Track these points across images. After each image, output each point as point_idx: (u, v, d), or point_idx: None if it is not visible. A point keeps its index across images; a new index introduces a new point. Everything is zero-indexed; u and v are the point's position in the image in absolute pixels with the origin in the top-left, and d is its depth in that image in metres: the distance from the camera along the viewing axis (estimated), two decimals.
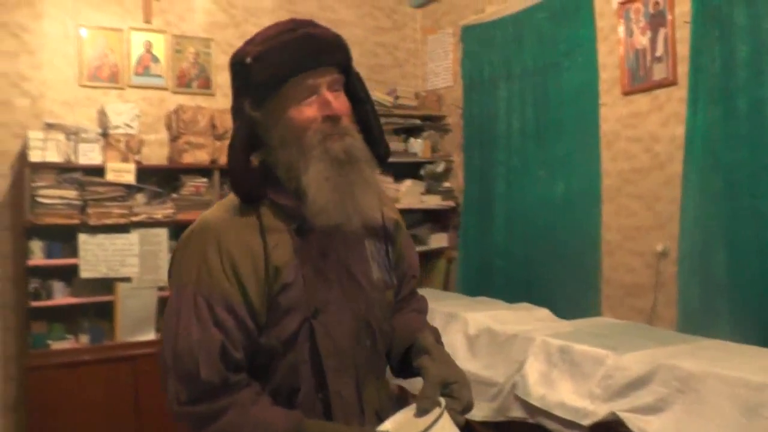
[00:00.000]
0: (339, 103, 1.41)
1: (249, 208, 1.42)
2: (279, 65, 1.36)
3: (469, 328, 3.46)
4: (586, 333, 3.05)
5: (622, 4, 3.79)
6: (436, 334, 1.64)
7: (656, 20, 3.61)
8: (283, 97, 1.38)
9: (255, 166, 1.44)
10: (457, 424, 1.35)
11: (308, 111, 1.38)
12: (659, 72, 3.62)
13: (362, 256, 1.52)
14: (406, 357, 1.58)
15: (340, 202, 1.37)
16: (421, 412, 1.35)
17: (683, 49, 3.46)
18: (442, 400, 1.36)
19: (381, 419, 1.47)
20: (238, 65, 1.41)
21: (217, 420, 1.33)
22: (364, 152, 1.43)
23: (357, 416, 1.48)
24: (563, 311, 3.86)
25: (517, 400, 2.96)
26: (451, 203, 5.14)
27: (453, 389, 1.39)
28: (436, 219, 5.27)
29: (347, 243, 1.47)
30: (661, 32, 3.58)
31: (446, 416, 1.32)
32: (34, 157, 3.99)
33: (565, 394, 2.74)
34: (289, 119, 1.38)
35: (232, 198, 1.46)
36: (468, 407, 1.41)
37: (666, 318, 3.56)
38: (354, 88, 1.49)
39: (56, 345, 4.09)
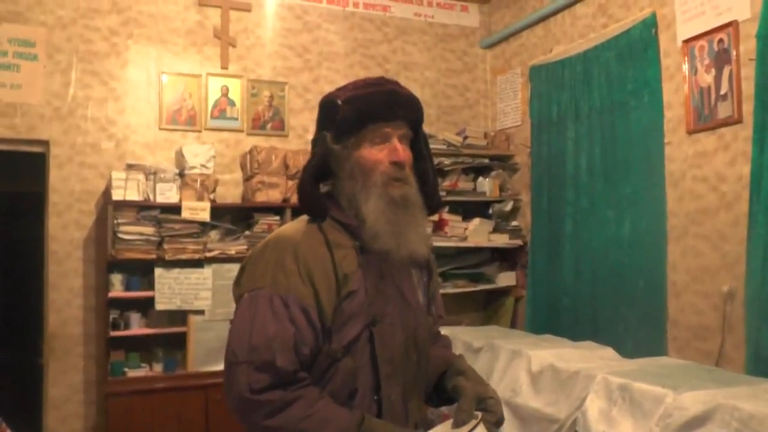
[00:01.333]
0: (405, 153, 1.63)
1: (315, 226, 1.62)
2: (364, 111, 1.60)
3: (533, 365, 3.46)
4: (648, 372, 3.01)
5: (687, 42, 3.80)
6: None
7: (721, 58, 3.60)
8: (360, 138, 1.60)
9: (320, 190, 1.67)
10: None
11: (379, 154, 1.60)
12: (724, 110, 3.59)
13: (410, 282, 1.72)
14: (438, 385, 1.75)
15: (391, 234, 1.59)
16: (458, 424, 1.52)
17: (748, 87, 3.44)
18: (479, 413, 1.55)
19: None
20: (329, 104, 1.65)
21: (286, 410, 1.46)
22: (418, 200, 1.65)
23: (402, 422, 1.62)
24: (629, 352, 3.82)
25: None
26: (518, 242, 5.16)
27: (488, 404, 1.61)
28: (503, 257, 5.30)
29: (399, 268, 1.66)
30: (726, 70, 3.57)
31: (482, 426, 1.49)
32: (116, 195, 4.24)
33: None
34: (361, 157, 1.60)
35: (301, 219, 1.68)
36: (501, 421, 1.62)
37: (734, 361, 3.48)
38: (419, 145, 1.71)
39: (132, 373, 4.29)
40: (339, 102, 1.62)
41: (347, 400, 1.55)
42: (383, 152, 1.61)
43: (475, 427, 1.48)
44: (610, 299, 4.25)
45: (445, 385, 1.73)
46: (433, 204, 1.73)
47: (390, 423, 1.53)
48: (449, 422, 1.58)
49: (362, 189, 1.60)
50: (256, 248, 1.65)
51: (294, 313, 1.51)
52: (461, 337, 4.17)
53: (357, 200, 1.61)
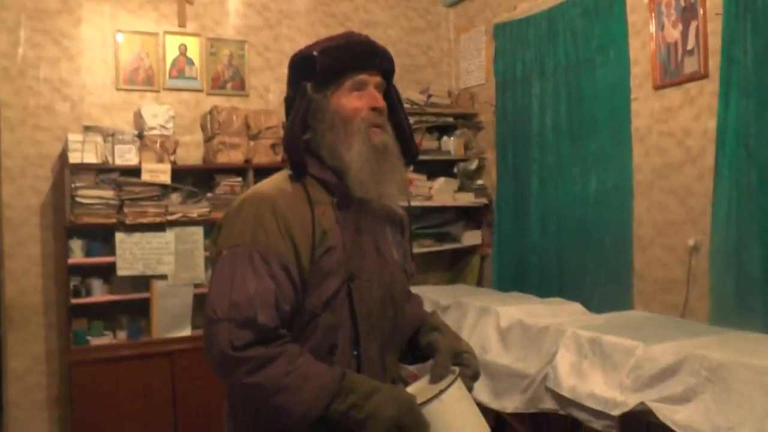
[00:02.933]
0: (382, 100, 1.65)
1: (296, 182, 1.61)
2: (342, 59, 1.62)
3: (501, 321, 3.47)
4: (617, 325, 3.04)
5: None
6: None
7: (688, 13, 3.58)
8: (338, 87, 1.61)
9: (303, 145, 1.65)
10: (468, 389, 1.53)
11: (358, 102, 1.61)
12: (690, 65, 3.59)
13: (386, 238, 1.71)
14: (412, 342, 1.77)
15: (374, 182, 1.59)
16: (436, 379, 1.54)
17: (715, 42, 3.43)
18: (456, 368, 1.55)
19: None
20: (303, 57, 1.66)
21: (268, 366, 1.43)
22: (396, 150, 1.66)
23: (380, 378, 1.61)
24: (596, 307, 3.87)
25: (548, 391, 2.96)
26: (484, 200, 5.14)
27: (464, 358, 1.63)
28: (469, 216, 5.29)
29: (375, 224, 1.68)
30: (693, 25, 3.56)
31: (459, 381, 1.49)
32: (74, 158, 4.10)
33: (595, 385, 2.74)
34: (341, 105, 1.61)
35: (278, 176, 1.67)
36: (477, 374, 1.64)
37: (698, 312, 3.53)
38: (392, 98, 1.72)
39: (96, 341, 4.21)
40: (315, 53, 1.63)
41: (327, 356, 1.54)
42: (362, 100, 1.62)
43: (453, 382, 1.47)
44: (577, 255, 4.28)
45: (419, 341, 1.74)
46: (410, 154, 1.73)
47: (369, 378, 1.51)
48: (426, 378, 1.58)
49: (344, 137, 1.60)
50: (232, 206, 1.62)
51: (274, 269, 1.49)
52: (428, 295, 4.17)
53: (338, 150, 1.61)
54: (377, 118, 1.62)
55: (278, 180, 1.65)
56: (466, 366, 1.61)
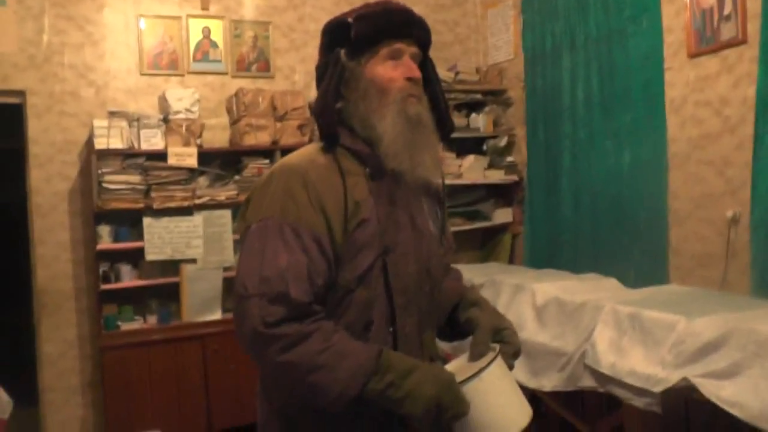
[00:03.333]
0: (418, 70, 1.58)
1: (328, 152, 1.55)
2: (378, 26, 1.55)
3: (537, 298, 3.40)
4: (656, 300, 2.95)
5: None
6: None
7: None
8: (373, 55, 1.54)
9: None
10: (509, 367, 1.48)
11: (393, 72, 1.54)
12: (728, 31, 3.47)
13: (422, 210, 1.64)
14: (451, 318, 1.70)
15: (408, 154, 1.52)
16: (475, 357, 1.49)
17: (754, 6, 3.31)
18: (496, 346, 1.50)
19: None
20: (338, 25, 1.59)
21: (302, 343, 1.38)
22: (431, 121, 1.58)
23: (417, 354, 1.55)
24: (632, 282, 3.76)
25: (586, 369, 2.88)
26: (514, 177, 5.05)
27: (504, 335, 1.56)
28: (499, 194, 5.20)
29: (410, 196, 1.60)
30: None
31: (500, 359, 1.44)
32: (99, 144, 4.09)
33: (635, 362, 2.65)
34: (377, 74, 1.54)
35: (308, 148, 1.61)
36: (518, 352, 1.57)
37: (738, 286, 3.43)
38: (427, 70, 1.64)
39: (126, 326, 4.22)
40: (350, 20, 1.55)
41: (362, 333, 1.48)
42: (398, 69, 1.55)
43: (493, 360, 1.42)
44: (611, 231, 4.18)
45: (458, 317, 1.67)
46: (446, 128, 1.66)
47: (407, 356, 1.45)
48: (465, 356, 1.53)
49: (378, 107, 1.54)
50: (261, 178, 1.56)
51: (306, 242, 1.43)
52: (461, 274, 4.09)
53: (371, 120, 1.54)
54: (413, 89, 1.55)
55: (309, 151, 1.58)
56: (506, 343, 1.55)
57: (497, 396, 1.40)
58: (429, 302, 1.61)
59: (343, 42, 1.55)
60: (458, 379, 1.38)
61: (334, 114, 1.55)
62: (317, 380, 1.37)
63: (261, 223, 1.47)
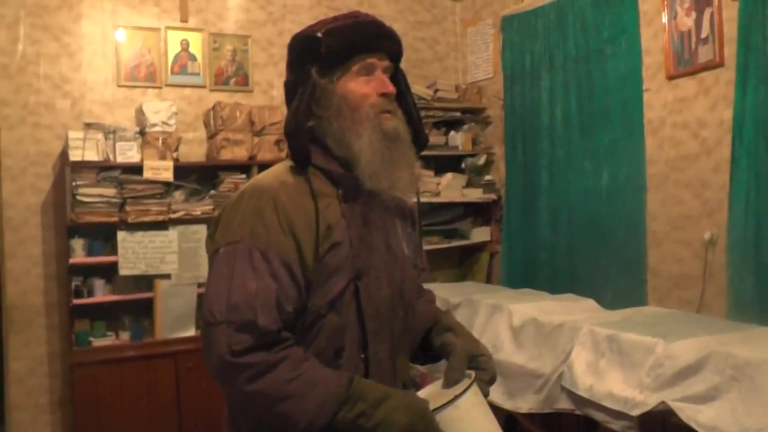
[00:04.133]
0: (391, 85, 1.53)
1: (299, 173, 1.49)
2: (350, 41, 1.49)
3: (514, 319, 3.38)
4: (634, 322, 2.95)
5: None
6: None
7: (702, 0, 3.48)
8: (345, 71, 1.49)
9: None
10: (484, 395, 1.45)
11: (366, 87, 1.49)
12: (705, 54, 3.50)
13: (395, 232, 1.60)
14: (424, 342, 1.66)
15: (386, 172, 1.48)
16: (450, 383, 1.45)
17: (731, 29, 3.33)
18: (472, 372, 1.46)
19: (406, 390, 1.56)
20: (306, 39, 1.52)
21: (270, 373, 1.34)
22: (407, 135, 1.54)
23: (390, 381, 1.52)
24: (609, 303, 3.78)
25: (563, 390, 2.87)
26: (492, 196, 5.05)
27: (480, 361, 1.52)
28: (477, 213, 5.19)
29: (383, 217, 1.56)
30: (707, 12, 3.46)
31: (475, 386, 1.41)
32: (74, 156, 4.03)
33: (613, 384, 2.65)
34: (349, 91, 1.49)
35: (279, 167, 1.55)
36: (494, 379, 1.54)
37: (715, 308, 3.43)
38: (399, 82, 1.59)
39: (98, 342, 4.14)
40: (320, 34, 1.49)
41: (333, 359, 1.44)
42: (370, 85, 1.50)
43: (468, 387, 1.38)
44: (589, 251, 4.18)
45: (432, 341, 1.63)
46: (420, 141, 1.61)
47: (379, 383, 1.41)
48: (439, 382, 1.49)
49: (352, 125, 1.49)
50: (231, 199, 1.50)
51: (275, 267, 1.38)
52: (437, 293, 4.00)
53: (347, 138, 1.49)
54: (387, 104, 1.51)
55: (279, 171, 1.53)
56: (482, 370, 1.51)
57: (472, 423, 1.37)
58: (402, 326, 1.57)
59: (313, 58, 1.50)
60: (432, 406, 1.35)
61: (306, 134, 1.50)
62: (286, 410, 1.33)
63: (230, 247, 1.41)
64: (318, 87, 1.49)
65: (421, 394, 1.45)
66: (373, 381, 1.44)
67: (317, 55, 1.49)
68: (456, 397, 1.35)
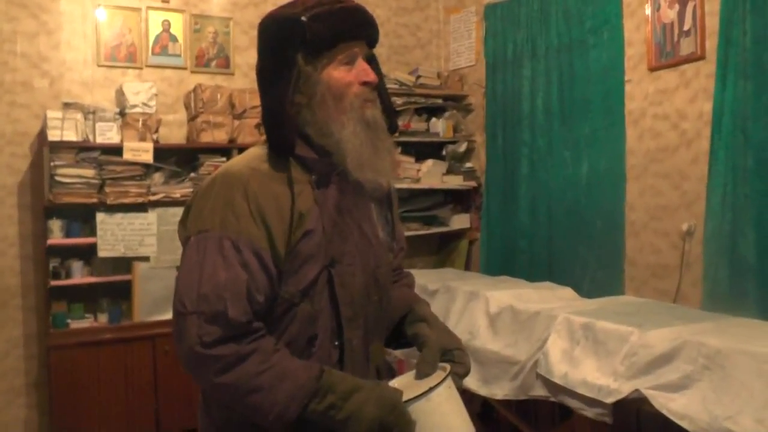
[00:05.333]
0: (373, 73, 1.51)
1: (277, 160, 1.47)
2: (337, 28, 1.46)
3: (491, 306, 3.40)
4: (609, 311, 2.98)
5: None
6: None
7: None
8: (329, 59, 1.46)
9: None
10: (458, 388, 1.44)
11: (348, 75, 1.47)
12: (687, 46, 3.52)
13: (370, 216, 1.59)
14: (398, 327, 1.65)
15: (371, 162, 1.48)
16: (421, 376, 1.44)
17: (713, 23, 3.36)
18: (447, 365, 1.46)
19: (380, 376, 1.57)
20: (288, 22, 1.45)
21: (240, 364, 1.33)
22: (383, 123, 1.54)
23: (363, 367, 1.52)
24: (586, 292, 3.81)
25: (539, 378, 2.90)
26: (473, 183, 5.07)
27: (455, 355, 1.53)
28: (457, 200, 5.21)
29: (357, 202, 1.54)
30: (690, 5, 3.48)
31: (450, 379, 1.40)
32: (52, 136, 3.97)
33: (588, 372, 2.68)
34: (333, 79, 1.46)
35: (252, 152, 1.53)
36: (467, 372, 1.54)
37: (691, 298, 3.48)
38: (373, 65, 1.57)
39: (76, 324, 4.10)
40: (304, 18, 1.43)
41: (306, 347, 1.44)
42: (352, 73, 1.48)
43: (443, 380, 1.38)
44: (567, 240, 4.21)
45: (405, 330, 1.63)
46: (392, 125, 1.61)
47: (349, 375, 1.41)
48: (412, 373, 1.48)
49: (335, 114, 1.47)
50: (203, 185, 1.48)
51: (246, 257, 1.37)
52: (416, 279, 4.08)
53: (330, 127, 1.47)
54: (369, 93, 1.50)
55: (252, 157, 1.50)
56: (456, 363, 1.51)
57: (443, 417, 1.37)
58: (377, 312, 1.57)
59: (297, 43, 1.45)
60: (405, 397, 1.35)
61: (293, 124, 1.47)
62: (255, 402, 1.33)
63: (201, 236, 1.40)
64: (302, 74, 1.45)
65: (395, 383, 1.45)
66: (346, 371, 1.44)
67: (301, 40, 1.44)
68: (430, 390, 1.35)
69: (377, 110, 1.52)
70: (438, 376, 1.41)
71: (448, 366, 1.45)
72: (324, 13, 1.45)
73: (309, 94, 1.47)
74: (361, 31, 1.51)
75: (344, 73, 1.47)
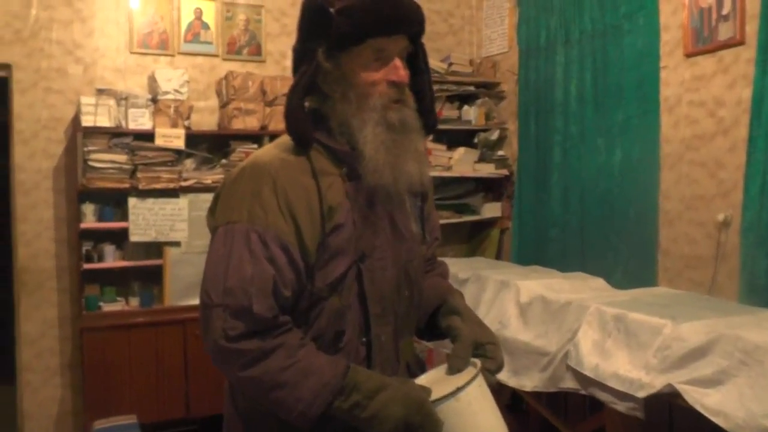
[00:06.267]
0: (405, 72, 1.45)
1: (300, 151, 1.43)
2: (364, 24, 1.39)
3: (522, 296, 3.36)
4: (642, 302, 2.92)
5: None
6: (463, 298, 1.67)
7: None
8: (356, 55, 1.41)
9: (307, 110, 1.47)
10: (490, 385, 1.39)
11: (376, 74, 1.42)
12: (725, 31, 3.43)
13: (403, 209, 1.55)
14: (431, 318, 1.62)
15: (390, 165, 1.42)
16: (453, 371, 1.40)
17: (753, 6, 3.27)
18: (477, 361, 1.41)
19: (411, 372, 1.54)
20: (318, 11, 1.41)
21: (265, 359, 1.32)
22: (416, 123, 1.47)
23: (392, 363, 1.50)
24: (619, 283, 3.75)
25: (569, 370, 2.85)
26: (505, 172, 5.01)
27: (487, 349, 1.47)
28: (489, 188, 5.15)
29: (390, 195, 1.49)
30: None
31: (480, 377, 1.35)
32: (86, 122, 4.02)
33: (619, 365, 2.63)
34: (357, 77, 1.42)
35: (283, 140, 1.49)
36: (500, 368, 1.48)
37: (727, 290, 3.40)
38: (416, 58, 1.53)
39: (108, 307, 4.17)
40: (333, 11, 1.39)
41: (334, 343, 1.42)
42: (381, 72, 1.43)
43: (473, 378, 1.33)
44: (600, 229, 4.15)
45: (439, 322, 1.59)
46: (429, 125, 1.55)
47: (377, 373, 1.39)
48: (442, 368, 1.44)
49: (357, 113, 1.43)
50: (231, 174, 1.46)
51: (273, 251, 1.35)
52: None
53: (350, 125, 1.43)
54: (397, 93, 1.43)
55: (281, 147, 1.47)
56: (489, 359, 1.46)
57: (474, 416, 1.32)
58: (407, 307, 1.54)
59: (322, 34, 1.41)
60: (433, 397, 1.31)
61: (303, 114, 1.44)
62: (279, 397, 1.32)
63: (228, 227, 1.38)
64: (322, 69, 1.42)
65: (423, 380, 1.41)
66: (375, 367, 1.42)
67: (327, 31, 1.40)
68: (458, 389, 1.31)
69: (407, 110, 1.45)
70: (469, 372, 1.37)
71: (479, 362, 1.41)
72: (354, 6, 1.39)
73: (333, 88, 1.44)
74: (397, 26, 1.42)
75: (372, 71, 1.43)
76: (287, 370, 1.32)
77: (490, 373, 1.43)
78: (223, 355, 1.34)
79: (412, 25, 1.46)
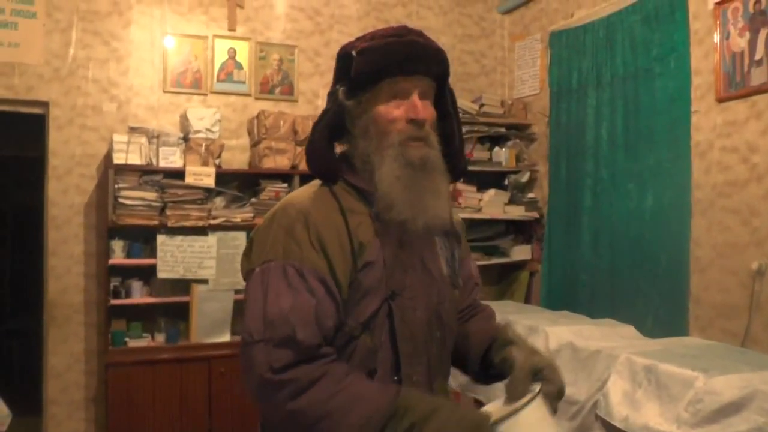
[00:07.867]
0: (425, 110, 1.46)
1: (327, 190, 1.48)
2: (379, 63, 1.44)
3: (550, 342, 3.31)
4: (674, 353, 2.85)
5: (719, 4, 3.58)
6: None
7: (756, 21, 3.39)
8: (375, 93, 1.45)
9: (333, 150, 1.53)
10: (552, 410, 1.36)
11: (395, 111, 1.44)
12: (758, 76, 3.39)
13: (433, 251, 1.55)
14: (485, 360, 1.58)
15: (407, 202, 1.42)
16: (512, 398, 1.36)
17: None
18: (536, 386, 1.36)
19: None
20: (344, 55, 1.50)
21: (312, 388, 1.30)
22: (440, 163, 1.48)
23: None
24: (649, 330, 3.68)
25: (598, 419, 2.79)
26: (535, 214, 4.97)
27: (546, 374, 1.41)
28: (519, 230, 5.12)
29: (421, 236, 1.49)
30: (762, 33, 3.36)
31: (540, 399, 1.31)
32: (118, 159, 4.08)
33: (650, 417, 2.56)
34: (376, 113, 1.45)
35: (312, 184, 1.53)
36: (562, 391, 1.42)
37: (762, 342, 3.32)
38: (444, 102, 1.55)
39: (133, 343, 4.17)
40: (353, 53, 1.47)
41: None
42: (400, 109, 1.45)
43: (532, 399, 1.30)
44: (630, 275, 4.08)
45: (492, 359, 1.54)
46: (457, 169, 1.57)
47: (428, 395, 1.38)
48: (502, 399, 1.41)
49: (377, 150, 1.46)
50: (265, 218, 1.49)
51: (312, 283, 1.36)
52: None
53: (371, 162, 1.47)
54: (416, 131, 1.44)
55: (311, 189, 1.51)
56: (548, 382, 1.40)
57: None
58: (440, 349, 1.52)
59: (345, 76, 1.49)
60: (492, 419, 1.27)
61: (325, 152, 1.50)
62: (330, 427, 1.29)
63: (264, 266, 1.40)
64: (345, 108, 1.48)
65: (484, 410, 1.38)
66: (422, 393, 1.39)
67: (347, 74, 1.48)
68: (517, 410, 1.28)
69: (428, 149, 1.46)
70: (528, 397, 1.33)
71: (537, 386, 1.37)
72: (372, 47, 1.46)
73: (354, 125, 1.49)
74: (414, 66, 1.46)
75: (391, 108, 1.45)
76: (336, 397, 1.29)
77: (550, 396, 1.38)
78: (269, 389, 1.31)
79: (430, 65, 1.49)
